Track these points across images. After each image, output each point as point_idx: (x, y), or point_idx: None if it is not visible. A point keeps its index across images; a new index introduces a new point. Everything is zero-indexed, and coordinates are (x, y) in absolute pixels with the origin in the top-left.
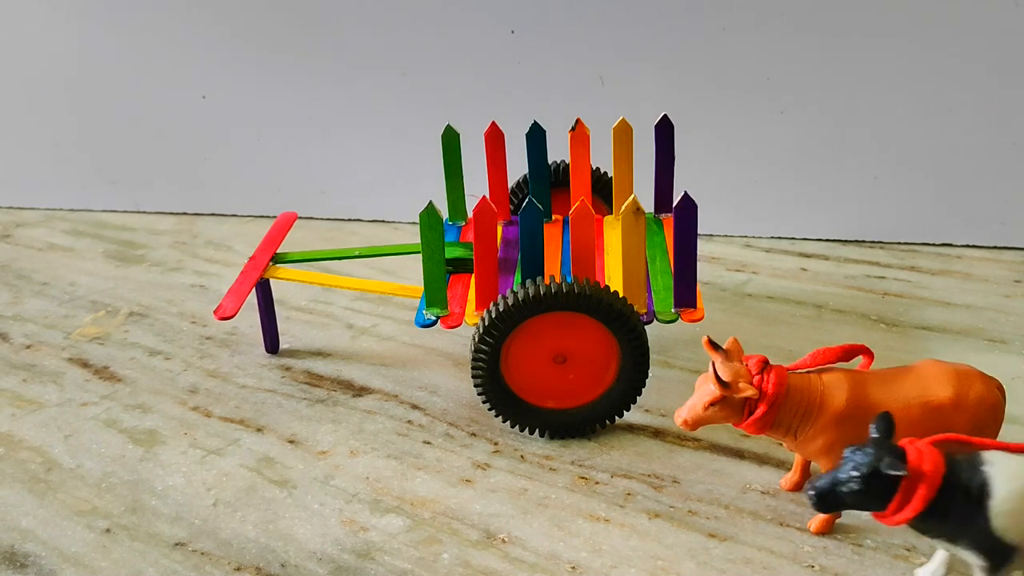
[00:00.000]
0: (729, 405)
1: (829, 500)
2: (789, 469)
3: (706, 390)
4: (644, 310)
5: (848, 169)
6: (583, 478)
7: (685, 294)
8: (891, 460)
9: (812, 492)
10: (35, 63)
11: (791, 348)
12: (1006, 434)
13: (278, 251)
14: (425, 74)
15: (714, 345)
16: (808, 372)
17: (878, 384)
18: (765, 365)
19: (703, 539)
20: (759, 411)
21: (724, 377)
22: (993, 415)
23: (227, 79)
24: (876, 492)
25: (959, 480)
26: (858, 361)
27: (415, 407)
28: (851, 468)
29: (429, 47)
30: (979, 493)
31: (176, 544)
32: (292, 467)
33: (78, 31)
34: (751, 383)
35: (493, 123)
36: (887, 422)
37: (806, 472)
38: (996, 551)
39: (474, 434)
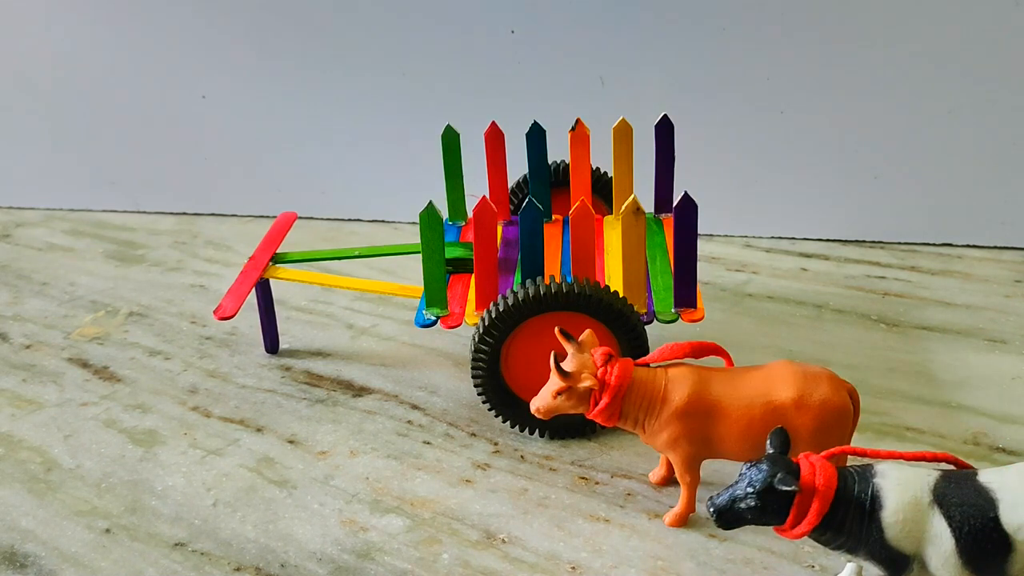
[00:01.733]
0: (575, 395)
1: (728, 516)
2: None
3: (553, 380)
4: (644, 310)
5: (848, 169)
6: (583, 478)
7: (685, 294)
8: (784, 476)
9: (712, 509)
10: (35, 63)
11: (791, 348)
12: (1007, 435)
13: (278, 251)
14: (425, 74)
15: (567, 336)
16: (657, 367)
17: (723, 382)
18: (610, 358)
19: (703, 539)
20: (603, 402)
21: (568, 368)
22: (837, 417)
23: (227, 79)
24: (772, 507)
25: (851, 493)
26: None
27: (415, 407)
28: (747, 484)
29: (429, 47)
30: (871, 505)
31: (176, 544)
32: (292, 467)
33: (78, 31)
34: (595, 375)
35: (493, 123)
36: (782, 438)
37: (671, 467)
38: (893, 561)
39: (474, 434)
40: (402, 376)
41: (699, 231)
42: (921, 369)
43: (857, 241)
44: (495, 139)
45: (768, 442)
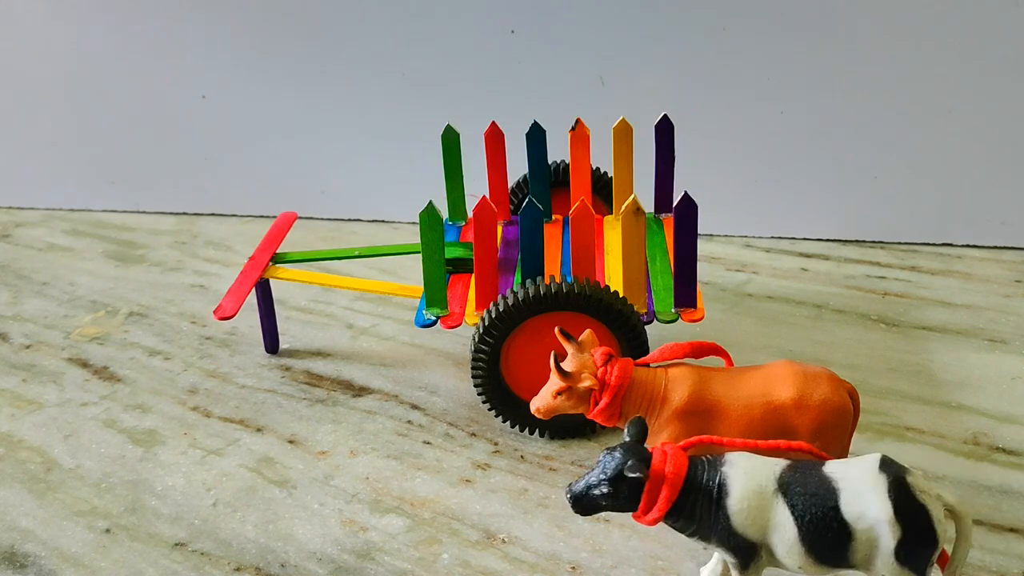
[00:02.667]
0: (576, 395)
1: (584, 503)
2: None
3: (553, 380)
4: (644, 310)
5: (848, 169)
6: None
7: (685, 294)
8: (633, 463)
9: (568, 496)
10: (35, 63)
11: (791, 348)
12: (1007, 435)
13: (278, 251)
14: (425, 74)
15: (566, 336)
16: (657, 367)
17: (723, 382)
18: (610, 358)
19: None
20: (603, 402)
21: (569, 368)
22: (837, 417)
23: (227, 79)
24: (623, 494)
25: (700, 481)
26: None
27: (415, 407)
28: (600, 472)
29: (429, 47)
30: (718, 493)
31: (176, 544)
32: (292, 467)
33: (78, 31)
34: (595, 375)
35: (493, 123)
36: (638, 427)
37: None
38: (740, 548)
39: (474, 434)
40: (402, 376)
41: (699, 231)
42: (921, 369)
43: (857, 241)
44: (495, 139)
45: (625, 430)
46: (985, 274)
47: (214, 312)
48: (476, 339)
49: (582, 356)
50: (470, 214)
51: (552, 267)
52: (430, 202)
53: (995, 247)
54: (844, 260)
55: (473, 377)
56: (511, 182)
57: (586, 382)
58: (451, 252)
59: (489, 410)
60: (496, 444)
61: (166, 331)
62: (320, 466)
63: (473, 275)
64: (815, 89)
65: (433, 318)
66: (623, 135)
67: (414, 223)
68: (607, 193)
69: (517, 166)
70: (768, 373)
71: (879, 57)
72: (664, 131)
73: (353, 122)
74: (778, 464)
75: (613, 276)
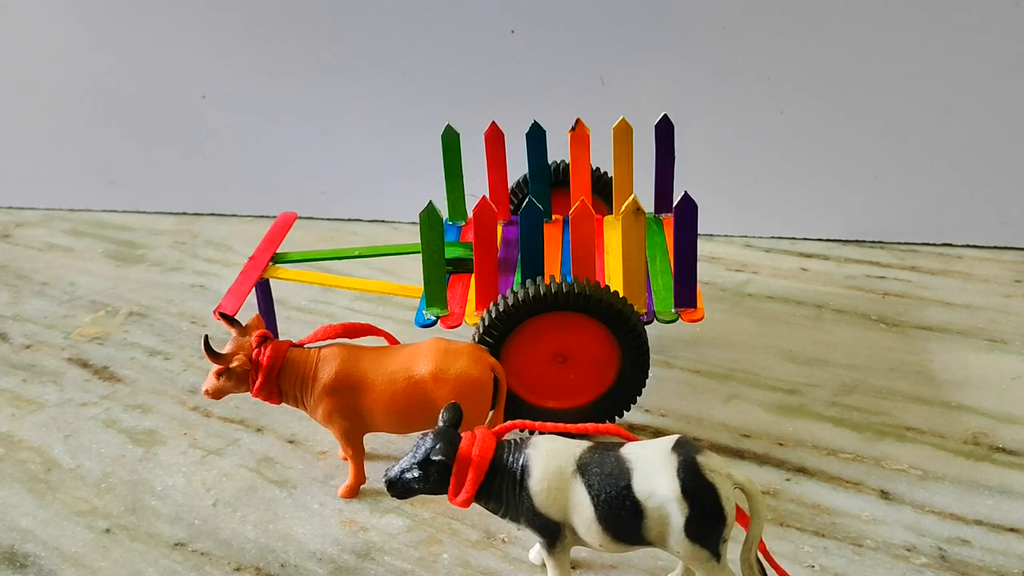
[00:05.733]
0: (235, 375)
1: (398, 487)
2: (790, 470)
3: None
4: (644, 310)
5: (848, 169)
6: None
7: (685, 294)
8: (440, 447)
9: (385, 480)
10: (35, 63)
11: (791, 348)
12: (1007, 435)
13: (278, 251)
14: (425, 74)
15: (229, 319)
16: (312, 347)
17: (371, 360)
18: (264, 340)
19: None
20: (258, 381)
21: (226, 350)
22: (473, 390)
23: (227, 79)
24: (433, 477)
25: (505, 464)
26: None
27: None
28: (411, 457)
29: (429, 47)
30: (521, 474)
31: (176, 544)
32: (292, 467)
33: (78, 31)
34: (250, 356)
35: (493, 123)
36: (452, 412)
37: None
38: (545, 528)
39: None
40: None
41: (699, 231)
42: (921, 369)
43: (857, 241)
44: (495, 139)
45: (440, 416)
46: (985, 274)
47: (214, 312)
48: (476, 339)
49: (242, 339)
50: (470, 214)
51: (552, 267)
52: (430, 202)
53: (995, 247)
54: (844, 260)
55: None
56: (511, 182)
57: (234, 362)
58: (451, 252)
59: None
60: None
61: (166, 331)
62: (320, 466)
63: (473, 275)
64: (815, 89)
65: (433, 318)
66: (623, 135)
67: (414, 223)
68: (607, 193)
69: (517, 166)
70: (414, 350)
71: (879, 57)
72: (664, 131)
73: (353, 122)
74: (579, 446)
75: (613, 276)
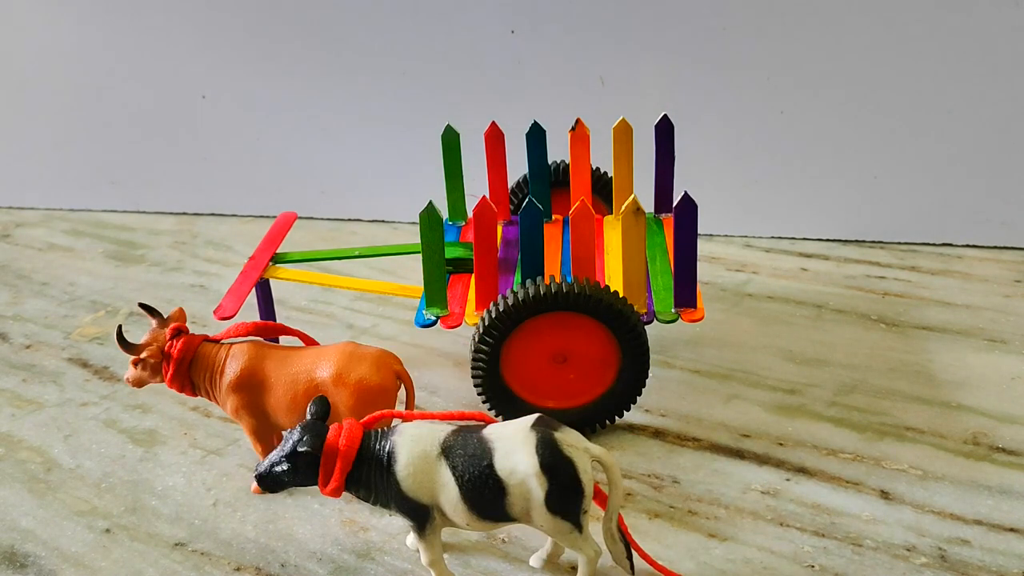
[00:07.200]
0: (148, 365)
1: (268, 481)
2: (790, 470)
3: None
4: (644, 310)
5: (848, 169)
6: None
7: (685, 294)
8: (307, 439)
9: (255, 475)
10: (35, 63)
11: (791, 348)
12: (1007, 435)
13: (278, 251)
14: (425, 74)
15: (149, 310)
16: (225, 343)
17: (278, 360)
18: (178, 333)
19: (703, 539)
20: (169, 372)
21: (143, 341)
22: (374, 395)
23: (227, 79)
24: (301, 469)
25: (372, 452)
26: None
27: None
28: (280, 450)
29: (429, 47)
30: (387, 461)
31: (176, 544)
32: None
33: (78, 31)
34: (163, 348)
35: (493, 123)
36: (318, 406)
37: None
38: (414, 511)
39: None
40: None
41: (699, 231)
42: (921, 369)
43: (857, 241)
44: (495, 139)
45: (307, 409)
46: (985, 274)
47: (214, 312)
48: (476, 339)
49: (158, 331)
50: (470, 214)
51: (552, 267)
52: (430, 202)
53: (995, 247)
54: (844, 260)
55: (473, 377)
56: (511, 182)
57: (143, 353)
58: (451, 252)
59: (489, 410)
60: None
61: None
62: None
63: (473, 275)
64: (815, 89)
65: (433, 318)
66: (623, 135)
67: (414, 223)
68: (607, 193)
69: (517, 166)
70: (320, 352)
71: (879, 57)
72: (664, 131)
73: (353, 122)
74: (444, 430)
75: (613, 276)
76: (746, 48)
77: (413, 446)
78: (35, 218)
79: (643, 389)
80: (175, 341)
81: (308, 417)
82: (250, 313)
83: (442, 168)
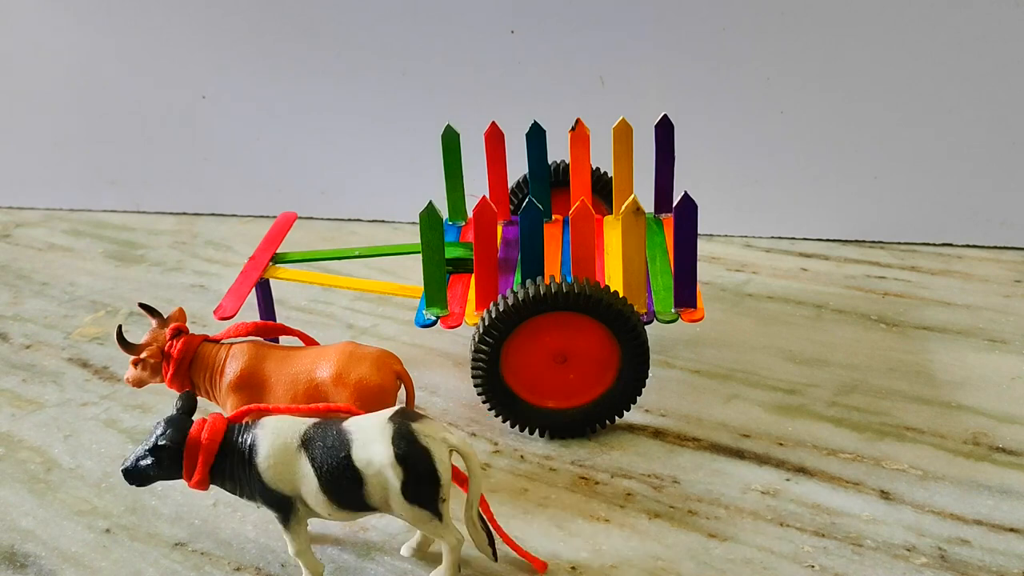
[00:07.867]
0: (148, 365)
1: (135, 475)
2: (790, 470)
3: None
4: (644, 310)
5: (848, 169)
6: (583, 478)
7: (685, 294)
8: (168, 433)
9: (121, 470)
10: (35, 63)
11: (791, 348)
12: (1007, 435)
13: (278, 251)
14: (425, 74)
15: (150, 310)
16: (226, 343)
17: (276, 360)
18: (178, 333)
19: (703, 539)
20: (169, 372)
21: (143, 341)
22: (373, 395)
23: (227, 79)
24: (165, 462)
25: (234, 444)
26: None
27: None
28: (144, 445)
29: (429, 47)
30: (250, 453)
31: (176, 544)
32: None
33: (78, 31)
34: (163, 348)
35: (493, 123)
36: (185, 400)
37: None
38: (277, 503)
39: (474, 434)
40: None
41: (699, 231)
42: (921, 369)
43: (857, 241)
44: (495, 139)
45: (174, 403)
46: (985, 274)
47: (214, 312)
48: (476, 339)
49: (158, 331)
50: (470, 214)
51: (552, 267)
52: (430, 202)
53: (995, 247)
54: (844, 260)
55: (473, 377)
56: (511, 182)
57: (144, 352)
58: (451, 252)
59: (489, 410)
60: (496, 444)
61: None
62: None
63: (473, 275)
64: (815, 89)
65: (433, 318)
66: (623, 135)
67: (414, 223)
68: (607, 193)
69: (517, 166)
70: (320, 352)
71: (879, 57)
72: (664, 131)
73: (353, 122)
74: (305, 422)
75: (613, 276)
76: (746, 48)
77: (274, 438)
78: (35, 218)
79: (643, 389)
80: (175, 341)
81: (174, 411)
82: (250, 313)
83: (442, 168)
